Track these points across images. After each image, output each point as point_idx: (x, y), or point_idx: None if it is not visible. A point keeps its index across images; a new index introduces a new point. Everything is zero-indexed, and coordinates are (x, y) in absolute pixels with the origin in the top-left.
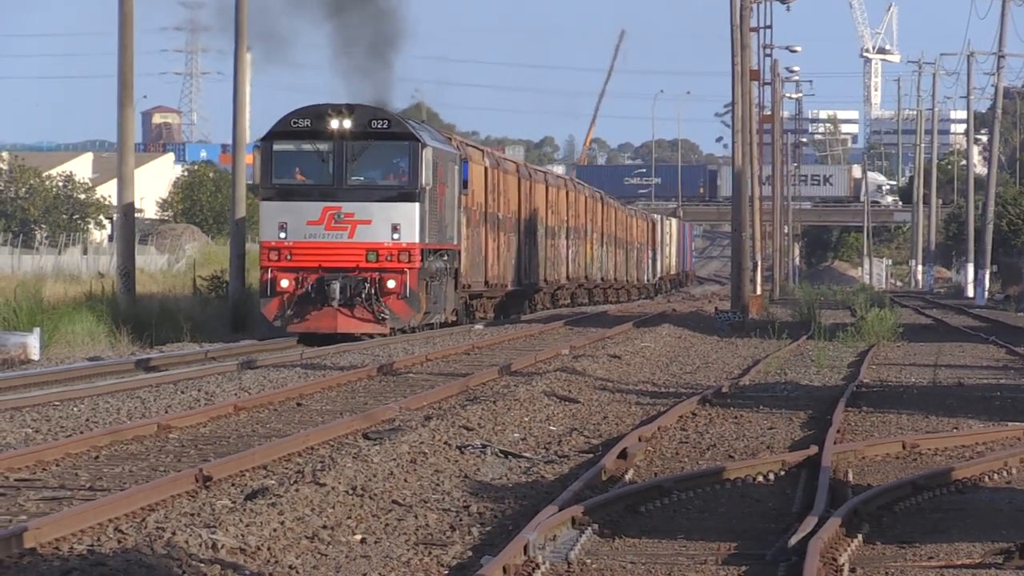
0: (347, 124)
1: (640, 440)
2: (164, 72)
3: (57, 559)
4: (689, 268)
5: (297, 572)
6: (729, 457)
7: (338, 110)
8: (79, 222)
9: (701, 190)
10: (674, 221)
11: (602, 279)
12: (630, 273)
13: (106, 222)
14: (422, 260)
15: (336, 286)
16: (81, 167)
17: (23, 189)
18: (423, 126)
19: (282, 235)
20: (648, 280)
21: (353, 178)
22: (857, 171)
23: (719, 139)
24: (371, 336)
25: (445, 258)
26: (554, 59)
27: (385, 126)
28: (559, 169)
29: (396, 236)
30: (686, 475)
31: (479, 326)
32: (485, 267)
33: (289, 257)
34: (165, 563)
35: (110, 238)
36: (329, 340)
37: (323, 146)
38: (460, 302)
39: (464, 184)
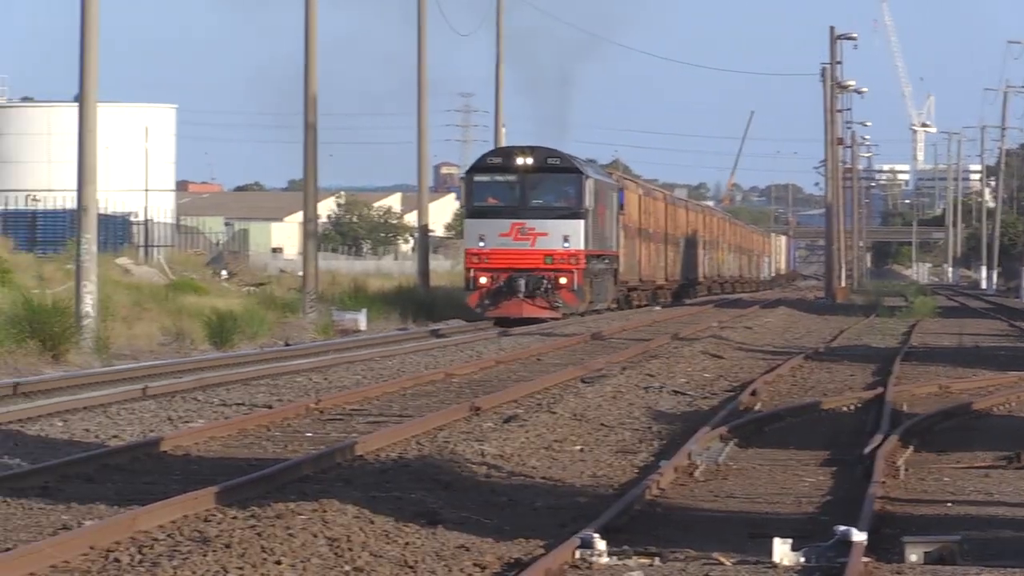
0: (529, 161)
1: (764, 383)
2: (448, 139)
3: (377, 463)
4: (794, 269)
5: (537, 470)
6: (824, 395)
7: (522, 151)
8: (392, 238)
9: None
10: (783, 237)
11: (730, 276)
12: (751, 272)
13: (410, 239)
14: (587, 263)
15: (522, 282)
16: (394, 202)
17: (354, 216)
18: (588, 163)
19: (481, 244)
20: (764, 277)
21: (534, 201)
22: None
23: (816, 183)
24: (548, 320)
25: (606, 261)
26: (706, 130)
27: (557, 163)
28: (710, 203)
29: (567, 244)
30: (795, 406)
31: (657, 308)
32: (639, 268)
33: (487, 260)
34: (449, 465)
35: (412, 249)
36: (515, 323)
37: (511, 177)
38: (620, 294)
39: (620, 207)
